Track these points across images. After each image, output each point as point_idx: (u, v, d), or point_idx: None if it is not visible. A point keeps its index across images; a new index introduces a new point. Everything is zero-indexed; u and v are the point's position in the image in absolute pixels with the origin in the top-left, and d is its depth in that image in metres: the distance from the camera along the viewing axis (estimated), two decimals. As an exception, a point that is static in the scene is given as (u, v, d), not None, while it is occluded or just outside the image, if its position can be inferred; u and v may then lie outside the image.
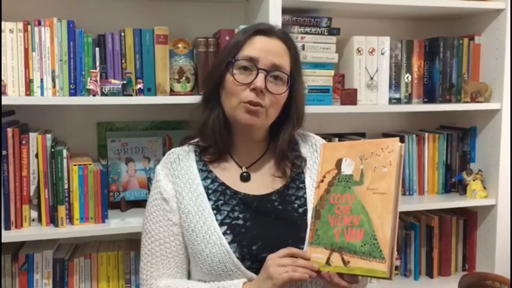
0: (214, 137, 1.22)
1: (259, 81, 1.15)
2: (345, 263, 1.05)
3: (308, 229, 1.16)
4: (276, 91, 1.18)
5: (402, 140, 2.09)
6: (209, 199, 1.20)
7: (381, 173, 1.06)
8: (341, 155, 1.14)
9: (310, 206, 1.20)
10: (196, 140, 1.29)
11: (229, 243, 1.15)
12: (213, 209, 1.19)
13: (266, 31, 1.21)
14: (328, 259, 1.08)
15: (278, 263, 1.08)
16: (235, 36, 1.25)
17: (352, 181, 1.11)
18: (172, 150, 1.31)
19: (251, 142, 1.26)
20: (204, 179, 1.23)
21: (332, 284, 1.08)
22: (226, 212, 1.19)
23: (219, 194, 1.21)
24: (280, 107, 1.22)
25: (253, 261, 1.14)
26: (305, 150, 1.30)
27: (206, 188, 1.22)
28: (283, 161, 1.25)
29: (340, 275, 1.07)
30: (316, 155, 1.30)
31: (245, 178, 1.25)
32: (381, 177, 1.06)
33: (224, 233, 1.16)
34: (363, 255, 1.03)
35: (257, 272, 1.13)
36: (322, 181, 1.16)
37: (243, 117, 1.17)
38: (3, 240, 1.60)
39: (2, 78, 1.62)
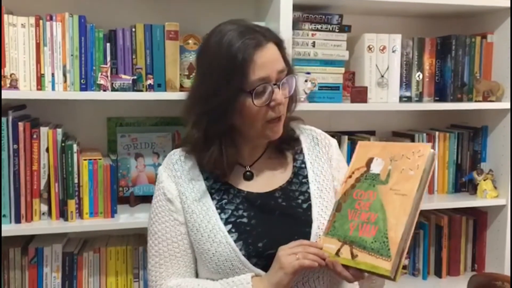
0: (215, 168, 1.20)
1: (279, 97, 1.15)
2: (353, 256, 1.07)
3: (312, 224, 1.18)
4: (287, 94, 1.19)
5: (412, 139, 2.09)
6: (213, 198, 1.21)
7: (407, 175, 1.08)
8: (373, 154, 1.17)
9: (314, 201, 1.22)
10: None
11: (235, 241, 1.15)
12: (217, 208, 1.19)
13: (259, 42, 1.13)
14: (339, 250, 1.09)
15: (290, 252, 1.10)
16: (223, 56, 1.12)
17: (378, 180, 1.13)
18: (174, 151, 1.31)
19: (255, 142, 1.26)
20: (206, 178, 1.23)
21: (335, 272, 1.08)
22: (230, 211, 1.19)
23: (222, 193, 1.22)
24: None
25: (259, 258, 1.15)
26: (306, 144, 1.31)
27: (209, 188, 1.22)
28: (281, 145, 1.26)
29: (346, 267, 1.08)
30: (317, 149, 1.30)
31: (248, 177, 1.25)
32: (406, 179, 1.08)
33: (229, 232, 1.16)
34: (371, 251, 1.04)
35: (263, 268, 1.14)
36: (350, 176, 1.18)
37: (271, 134, 1.19)
38: (13, 233, 1.62)
39: (14, 72, 1.63)
